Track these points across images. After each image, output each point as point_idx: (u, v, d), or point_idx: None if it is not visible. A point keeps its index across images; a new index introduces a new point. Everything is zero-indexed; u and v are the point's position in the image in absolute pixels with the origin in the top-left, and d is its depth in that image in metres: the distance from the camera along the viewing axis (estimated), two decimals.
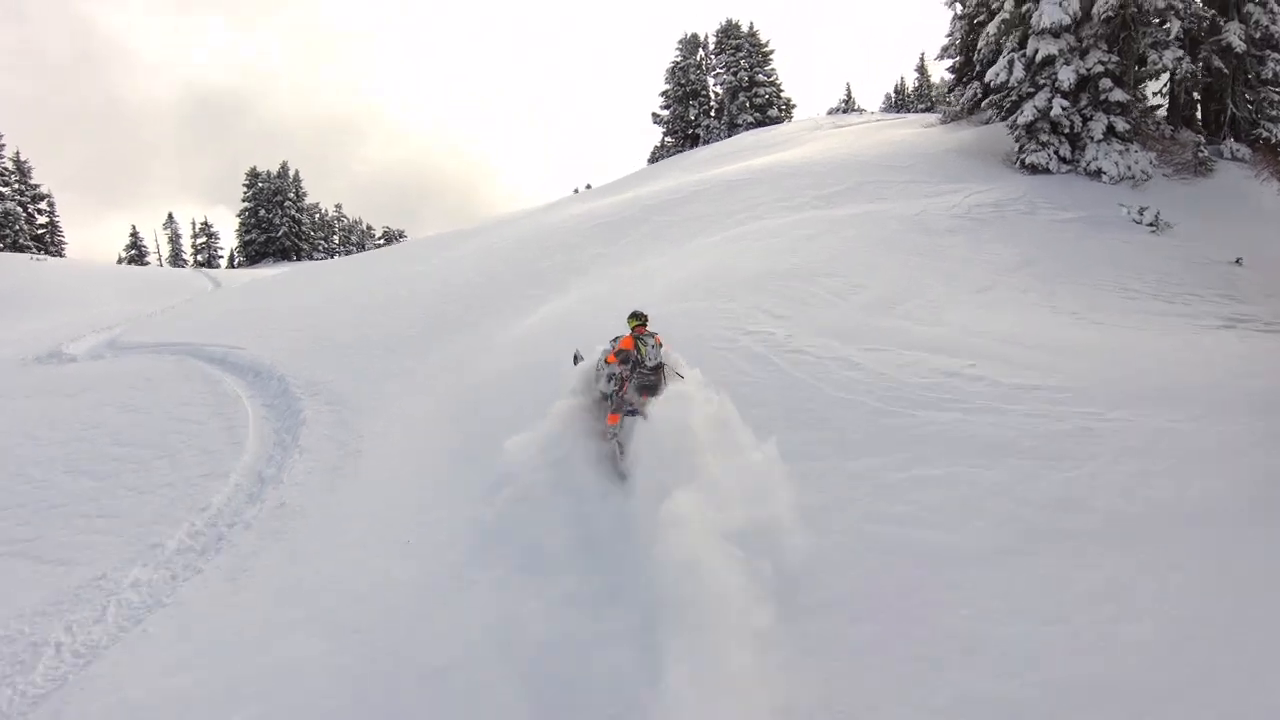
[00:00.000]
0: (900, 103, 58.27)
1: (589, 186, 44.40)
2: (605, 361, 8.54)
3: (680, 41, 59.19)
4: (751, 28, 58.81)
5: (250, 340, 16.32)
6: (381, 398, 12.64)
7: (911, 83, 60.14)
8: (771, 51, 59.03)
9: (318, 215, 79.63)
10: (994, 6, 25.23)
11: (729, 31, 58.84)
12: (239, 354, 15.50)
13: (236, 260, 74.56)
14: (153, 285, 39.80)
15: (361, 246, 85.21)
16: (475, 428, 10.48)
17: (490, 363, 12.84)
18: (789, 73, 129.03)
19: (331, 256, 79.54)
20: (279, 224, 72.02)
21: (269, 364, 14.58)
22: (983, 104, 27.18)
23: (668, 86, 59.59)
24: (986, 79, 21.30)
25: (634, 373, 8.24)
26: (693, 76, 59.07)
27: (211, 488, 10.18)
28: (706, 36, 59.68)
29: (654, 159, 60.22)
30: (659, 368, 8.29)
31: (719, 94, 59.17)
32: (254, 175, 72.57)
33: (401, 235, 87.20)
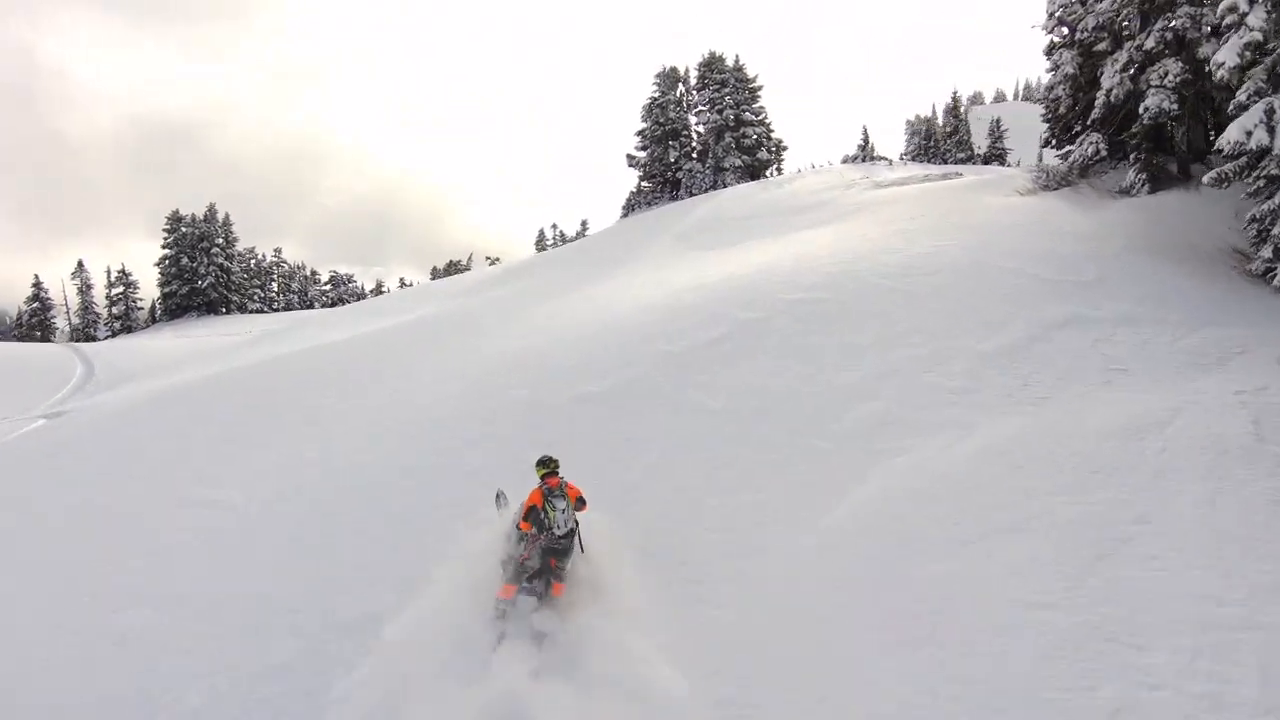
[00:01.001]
0: (929, 148, 50.35)
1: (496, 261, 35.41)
2: (519, 526, 7.15)
3: (658, 75, 50.88)
4: (737, 61, 50.82)
5: None
6: None
7: (941, 122, 52.10)
8: (760, 88, 51.04)
9: (253, 262, 69.48)
10: (1123, 35, 17.06)
11: (712, 65, 50.71)
12: None
13: (158, 314, 64.07)
14: None
15: (304, 294, 75.25)
16: None
17: None
18: (777, 112, 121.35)
19: (270, 308, 69.52)
20: (204, 273, 61.71)
21: None
22: (1109, 160, 18.98)
23: (645, 125, 51.10)
24: (1225, 140, 12.91)
25: (540, 534, 6.97)
26: (672, 114, 50.69)
27: None
28: (687, 71, 51.50)
29: (629, 207, 51.60)
30: (571, 534, 7.04)
31: (701, 134, 50.91)
32: (175, 220, 62.23)
33: (347, 281, 77.45)
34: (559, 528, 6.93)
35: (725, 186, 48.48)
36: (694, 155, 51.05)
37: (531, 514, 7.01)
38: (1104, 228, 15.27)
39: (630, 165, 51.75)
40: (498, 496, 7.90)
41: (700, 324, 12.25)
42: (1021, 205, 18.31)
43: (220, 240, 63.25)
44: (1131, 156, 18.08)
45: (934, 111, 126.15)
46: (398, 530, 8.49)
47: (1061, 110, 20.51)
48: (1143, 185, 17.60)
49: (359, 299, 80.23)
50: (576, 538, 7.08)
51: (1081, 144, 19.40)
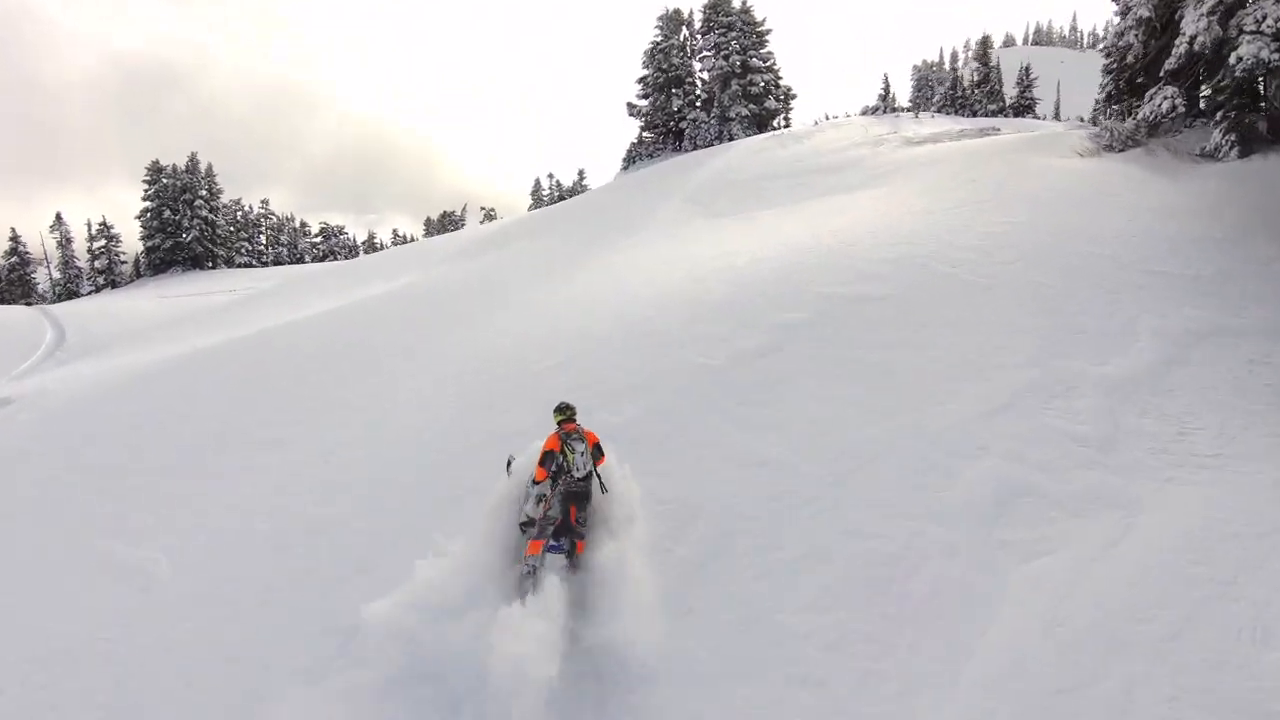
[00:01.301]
0: (956, 98, 46.95)
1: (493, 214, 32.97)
2: (534, 480, 6.77)
3: (660, 19, 47.42)
4: (744, 3, 47.24)
5: None
6: None
7: (970, 74, 48.34)
8: (768, 31, 47.63)
9: (239, 214, 66.38)
10: None
11: (717, 7, 47.20)
12: None
13: (142, 268, 61.24)
14: None
15: (294, 247, 72.32)
16: None
17: None
18: (784, 58, 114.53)
19: (260, 261, 66.68)
20: (188, 226, 58.73)
21: None
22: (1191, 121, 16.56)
23: (646, 72, 47.86)
24: None
25: (558, 481, 6.70)
26: (675, 60, 47.42)
27: None
28: (691, 13, 48.02)
29: (630, 159, 48.66)
30: (588, 478, 6.79)
31: (706, 81, 47.71)
32: (156, 170, 58.89)
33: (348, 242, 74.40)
34: (578, 470, 6.73)
35: (731, 138, 45.58)
36: (698, 104, 47.95)
37: (548, 459, 6.73)
38: (1199, 201, 12.87)
39: (631, 114, 48.70)
40: (508, 462, 7.29)
41: (737, 328, 9.86)
42: (1088, 170, 15.85)
43: (204, 192, 60.08)
44: (1219, 114, 15.58)
45: (941, 56, 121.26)
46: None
47: (1130, 60, 17.87)
48: (1230, 148, 15.15)
49: (351, 252, 77.41)
50: (596, 480, 6.86)
51: (1154, 99, 16.84)
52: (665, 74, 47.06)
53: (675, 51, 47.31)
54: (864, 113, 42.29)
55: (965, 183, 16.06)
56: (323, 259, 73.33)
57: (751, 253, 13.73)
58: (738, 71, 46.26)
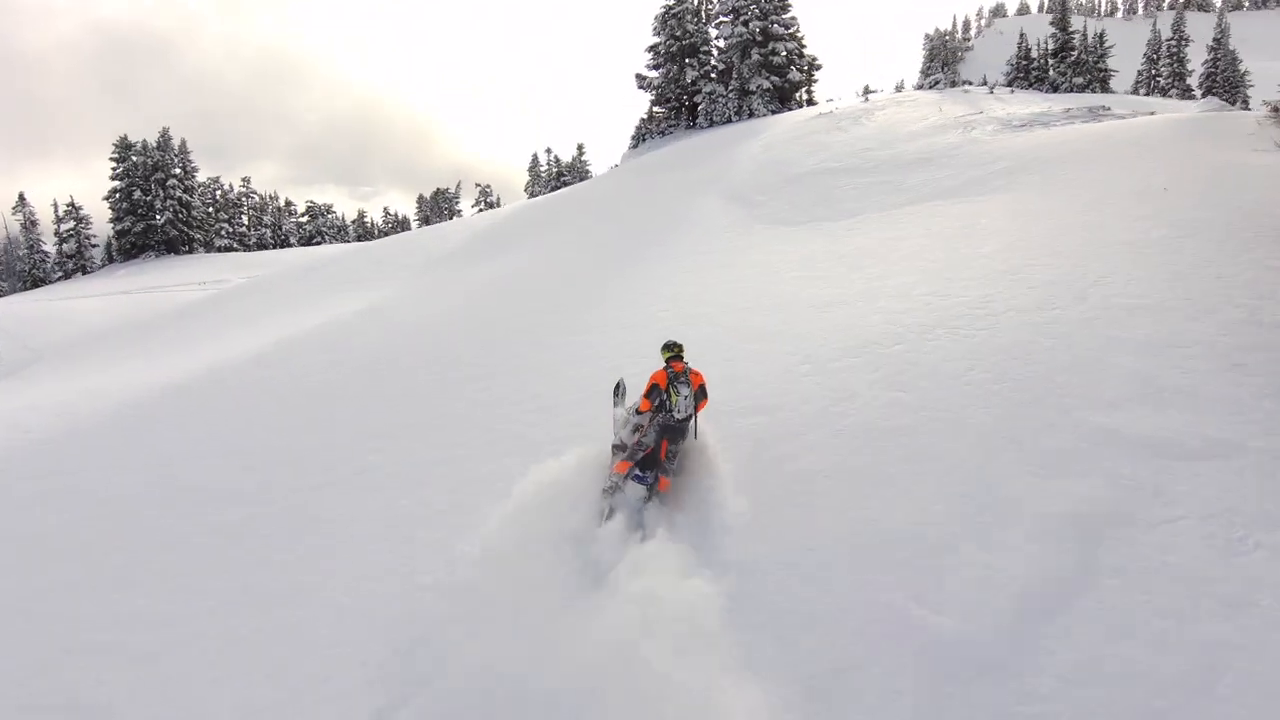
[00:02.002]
0: (1031, 69, 41.03)
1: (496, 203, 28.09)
2: (637, 409, 6.94)
3: None
4: None
5: None
6: None
7: (1039, 43, 42.13)
8: None
9: (218, 193, 60.96)
10: None
11: None
12: None
13: (114, 253, 55.95)
14: None
15: (278, 228, 66.90)
16: None
17: None
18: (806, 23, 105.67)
19: (243, 244, 61.36)
20: (160, 208, 53.34)
21: None
22: None
23: (657, 39, 42.48)
24: None
25: (658, 413, 6.78)
26: (690, 27, 42.01)
27: None
28: None
29: (639, 136, 43.46)
30: (688, 419, 6.83)
31: (723, 50, 42.33)
32: (124, 147, 53.32)
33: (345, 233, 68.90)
34: (679, 411, 6.73)
35: (752, 113, 40.45)
36: (714, 75, 42.62)
37: (654, 392, 6.77)
38: None
39: (640, 87, 43.36)
40: (617, 387, 7.64)
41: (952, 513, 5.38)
42: None
43: (178, 170, 54.59)
44: None
45: (954, 24, 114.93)
46: None
47: None
48: None
49: (339, 232, 71.99)
50: (693, 424, 6.82)
51: None
52: (679, 41, 41.72)
53: (689, 17, 41.91)
54: (926, 86, 36.68)
55: (1150, 193, 11.30)
56: (309, 240, 68.12)
57: (890, 308, 9.03)
58: (758, 39, 40.97)
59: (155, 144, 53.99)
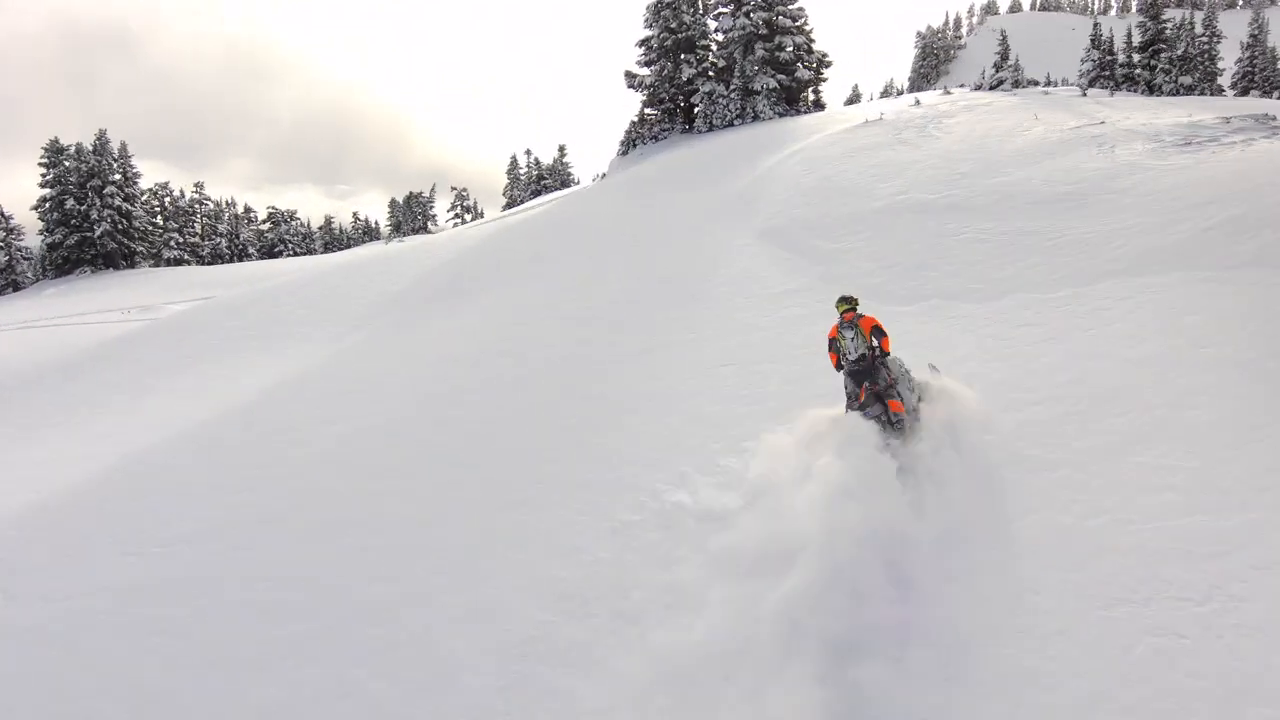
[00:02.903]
0: (1117, 67, 35.24)
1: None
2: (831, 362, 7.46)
3: None
4: None
5: None
6: None
7: (1114, 35, 36.06)
8: None
9: (166, 200, 54.71)
10: None
11: None
12: None
13: (46, 267, 49.55)
14: None
15: (235, 237, 60.59)
16: None
17: None
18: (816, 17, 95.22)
19: (196, 257, 55.10)
20: (97, 219, 47.01)
21: None
22: None
23: (650, 32, 36.98)
24: None
25: (843, 364, 7.23)
26: (687, 18, 36.55)
27: None
28: None
29: (629, 142, 37.94)
30: (863, 359, 7.06)
31: (722, 44, 36.95)
32: (55, 151, 46.93)
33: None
34: (850, 353, 7.06)
35: (756, 116, 35.20)
36: (713, 73, 37.23)
37: (831, 345, 7.25)
38: None
39: (630, 86, 37.84)
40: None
41: None
42: None
43: (116, 177, 48.26)
44: None
45: (947, 21, 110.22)
46: None
47: None
48: None
49: (305, 240, 65.76)
50: (880, 364, 7.00)
51: None
52: (674, 34, 36.25)
53: (686, 7, 36.46)
54: (987, 87, 30.84)
55: None
56: (270, 250, 61.91)
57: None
58: (762, 33, 35.65)
59: (92, 148, 47.64)
